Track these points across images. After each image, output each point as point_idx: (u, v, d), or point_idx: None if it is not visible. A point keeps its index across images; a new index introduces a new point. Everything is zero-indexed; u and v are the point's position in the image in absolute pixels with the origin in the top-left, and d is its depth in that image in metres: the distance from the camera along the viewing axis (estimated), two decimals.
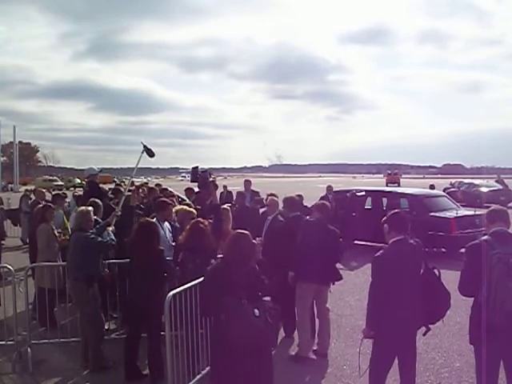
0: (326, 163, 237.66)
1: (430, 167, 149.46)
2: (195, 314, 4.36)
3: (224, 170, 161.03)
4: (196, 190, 7.94)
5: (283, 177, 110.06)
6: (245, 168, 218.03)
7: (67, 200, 9.37)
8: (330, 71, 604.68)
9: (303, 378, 4.85)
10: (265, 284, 3.60)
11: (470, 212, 11.77)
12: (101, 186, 8.07)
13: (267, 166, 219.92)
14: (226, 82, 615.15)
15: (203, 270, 4.39)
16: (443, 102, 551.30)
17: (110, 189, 9.06)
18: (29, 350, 5.10)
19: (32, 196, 13.11)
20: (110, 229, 5.54)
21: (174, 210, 6.24)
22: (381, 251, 3.78)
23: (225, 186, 13.80)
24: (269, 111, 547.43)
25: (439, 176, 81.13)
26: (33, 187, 19.17)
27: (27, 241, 10.05)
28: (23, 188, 29.22)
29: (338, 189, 14.29)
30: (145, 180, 34.06)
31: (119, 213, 5.85)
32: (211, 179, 5.84)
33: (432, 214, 11.05)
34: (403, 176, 63.71)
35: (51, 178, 64.17)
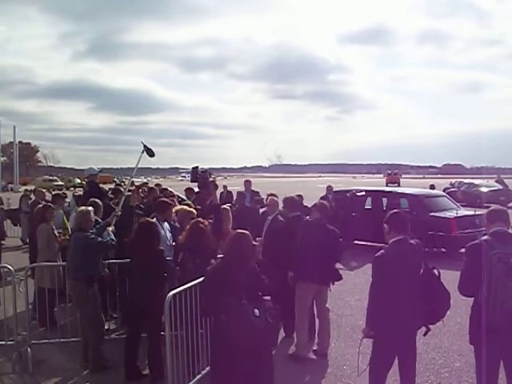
0: (326, 163, 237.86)
1: (430, 167, 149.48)
2: (195, 314, 4.36)
3: (224, 169, 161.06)
4: (196, 189, 7.93)
5: (283, 177, 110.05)
6: (245, 168, 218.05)
7: (67, 200, 9.37)
8: (329, 71, 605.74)
9: (303, 378, 4.85)
10: (265, 284, 3.60)
11: (470, 212, 11.76)
12: (101, 186, 8.07)
13: (267, 166, 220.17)
14: (226, 81, 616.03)
15: (203, 269, 4.39)
16: (443, 102, 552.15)
17: (110, 189, 9.06)
18: (29, 350, 5.10)
19: (32, 196, 13.11)
20: (110, 229, 5.54)
21: (174, 210, 6.25)
22: (381, 251, 3.78)
23: (225, 186, 13.80)
24: (269, 111, 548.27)
25: (439, 176, 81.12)
26: (33, 187, 19.17)
27: (27, 241, 10.05)
28: (23, 188, 29.22)
29: (337, 189, 14.29)
30: (145, 180, 33.99)
31: (119, 213, 5.85)
32: (211, 179, 5.84)
33: (432, 213, 11.05)
34: (403, 176, 63.69)
35: (51, 177, 64.16)
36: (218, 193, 7.79)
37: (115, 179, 34.64)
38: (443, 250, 10.80)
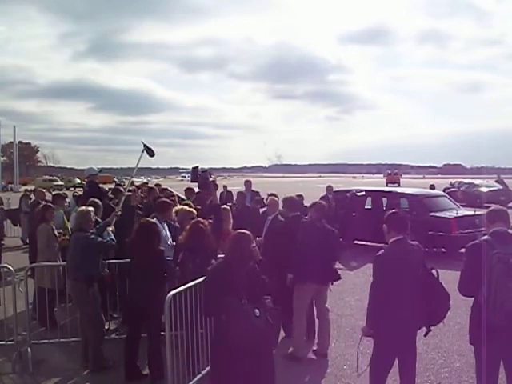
0: (326, 163, 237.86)
1: (430, 167, 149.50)
2: (195, 314, 4.36)
3: (224, 169, 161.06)
4: (196, 190, 7.93)
5: (283, 177, 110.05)
6: (245, 168, 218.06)
7: (67, 200, 9.37)
8: (329, 71, 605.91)
9: (303, 378, 4.85)
10: (266, 284, 3.59)
11: (470, 212, 11.76)
12: (101, 186, 8.07)
13: (267, 166, 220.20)
14: (226, 81, 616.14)
15: (203, 269, 4.40)
16: (443, 102, 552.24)
17: (110, 189, 9.06)
18: (29, 350, 5.09)
19: (32, 196, 13.11)
20: (110, 229, 5.54)
21: (174, 210, 6.25)
22: (381, 251, 3.78)
23: (225, 186, 13.81)
24: (269, 111, 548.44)
25: (439, 176, 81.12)
26: (33, 187, 19.17)
27: (27, 241, 10.05)
28: (23, 188, 29.22)
29: (338, 189, 14.29)
30: (145, 180, 34.06)
31: (119, 213, 5.85)
32: (211, 179, 5.84)
33: (432, 213, 11.05)
34: (403, 176, 63.70)
35: (51, 177, 64.17)
36: (218, 193, 7.79)
37: (115, 179, 34.66)
38: (443, 249, 10.80)
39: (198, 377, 4.51)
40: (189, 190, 8.74)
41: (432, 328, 3.86)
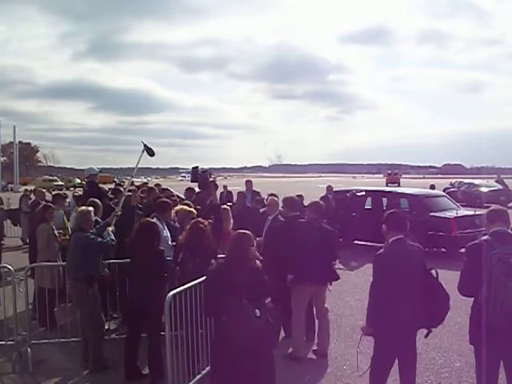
0: (326, 163, 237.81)
1: (430, 167, 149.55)
2: (195, 314, 4.36)
3: (224, 170, 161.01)
4: (196, 190, 7.93)
5: (283, 177, 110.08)
6: (245, 168, 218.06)
7: (67, 200, 9.37)
8: (329, 71, 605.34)
9: (303, 378, 4.85)
10: (266, 284, 3.59)
11: (470, 212, 11.77)
12: (101, 186, 8.07)
13: (267, 166, 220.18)
14: (226, 81, 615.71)
15: (203, 269, 4.40)
16: (443, 102, 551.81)
17: (109, 189, 9.06)
18: (29, 350, 5.09)
19: (32, 196, 13.12)
20: (110, 229, 5.54)
21: (174, 210, 6.25)
22: (381, 250, 3.79)
23: (225, 186, 13.83)
24: (269, 111, 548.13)
25: (439, 176, 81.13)
26: (33, 187, 19.17)
27: (27, 241, 10.05)
28: (23, 188, 29.22)
29: (337, 189, 14.30)
30: (145, 180, 34.06)
31: (119, 213, 5.85)
32: (211, 179, 5.84)
33: (432, 213, 11.06)
34: (403, 176, 63.73)
35: (51, 178, 64.19)
36: (218, 193, 7.80)
37: (115, 179, 34.67)
38: (443, 249, 10.81)
39: (198, 377, 4.51)
40: (189, 190, 8.75)
41: (432, 329, 3.87)
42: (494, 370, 3.52)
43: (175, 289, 4.21)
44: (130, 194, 6.83)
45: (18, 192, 33.03)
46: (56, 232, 6.63)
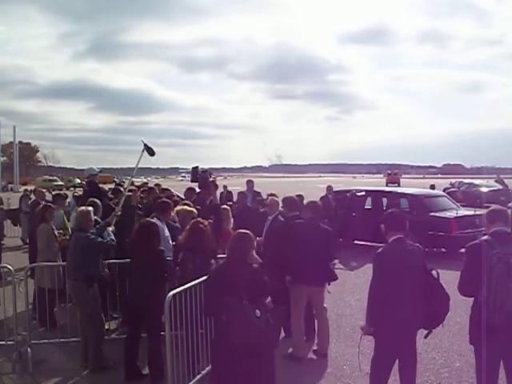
0: (326, 163, 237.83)
1: (430, 167, 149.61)
2: (195, 314, 4.36)
3: (224, 170, 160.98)
4: (197, 190, 7.93)
5: (283, 177, 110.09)
6: (245, 168, 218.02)
7: (68, 200, 9.38)
8: (330, 71, 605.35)
9: (303, 378, 4.85)
10: (266, 285, 3.58)
11: (470, 212, 11.77)
12: (101, 186, 8.07)
13: (267, 166, 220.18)
14: (226, 81, 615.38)
15: (203, 269, 4.41)
16: (443, 102, 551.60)
17: (110, 189, 9.06)
18: (29, 350, 5.09)
19: (32, 196, 13.12)
20: (110, 229, 5.54)
21: (175, 210, 6.25)
22: (381, 249, 3.79)
23: (225, 186, 13.83)
24: (269, 111, 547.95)
25: (439, 176, 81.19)
26: (33, 187, 19.17)
27: (27, 241, 10.05)
28: (23, 188, 29.23)
29: (337, 189, 14.30)
30: (145, 180, 34.07)
31: (119, 213, 5.85)
32: (211, 179, 5.84)
33: (432, 213, 11.06)
34: (403, 176, 63.74)
35: (51, 178, 64.19)
36: (218, 193, 7.79)
37: (115, 179, 34.66)
38: (443, 249, 10.81)
39: (198, 377, 4.51)
40: (189, 190, 8.75)
41: (432, 329, 3.87)
42: (494, 370, 3.52)
43: (175, 289, 4.21)
44: (130, 194, 6.82)
45: (18, 192, 33.01)
46: (56, 232, 6.63)
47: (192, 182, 6.18)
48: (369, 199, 12.72)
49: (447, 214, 11.04)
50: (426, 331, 3.89)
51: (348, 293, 7.81)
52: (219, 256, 4.97)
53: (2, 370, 5.06)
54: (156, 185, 11.02)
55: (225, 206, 6.77)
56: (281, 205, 6.42)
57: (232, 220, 7.18)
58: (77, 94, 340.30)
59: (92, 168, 8.06)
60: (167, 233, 5.64)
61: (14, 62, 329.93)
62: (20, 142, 78.02)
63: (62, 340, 5.55)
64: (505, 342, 3.39)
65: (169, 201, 6.30)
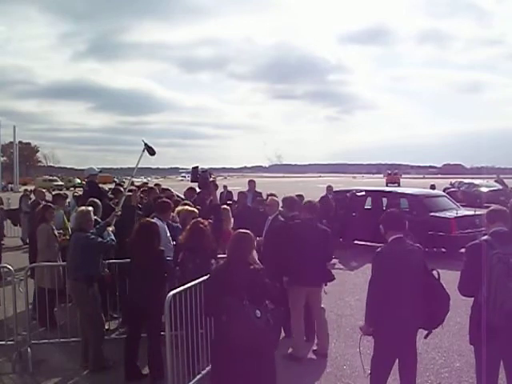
0: (326, 163, 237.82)
1: (430, 167, 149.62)
2: (195, 314, 4.36)
3: (224, 170, 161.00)
4: (197, 190, 7.93)
5: (283, 177, 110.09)
6: (245, 168, 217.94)
7: (68, 200, 9.37)
8: (330, 71, 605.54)
9: (303, 378, 4.85)
10: (266, 285, 3.58)
11: (469, 212, 11.77)
12: (101, 186, 8.07)
13: (267, 166, 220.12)
14: (226, 81, 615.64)
15: (203, 269, 4.40)
16: (443, 102, 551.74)
17: (110, 189, 9.06)
18: (29, 350, 5.09)
19: (32, 196, 13.12)
20: (110, 229, 5.54)
21: (176, 211, 6.25)
22: (381, 248, 3.79)
23: (225, 186, 13.84)
24: (269, 111, 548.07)
25: (439, 176, 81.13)
26: (33, 187, 19.17)
27: (27, 241, 10.05)
28: (23, 188, 29.25)
29: (337, 189, 14.29)
30: (145, 180, 34.07)
31: (119, 213, 5.85)
32: (211, 179, 5.84)
33: (432, 213, 11.05)
34: (403, 176, 63.74)
35: (51, 178, 64.19)
36: (218, 193, 7.80)
37: (115, 179, 34.66)
38: (443, 249, 10.81)
39: (198, 377, 4.51)
40: (190, 190, 8.75)
41: (432, 330, 3.86)
42: (494, 370, 3.52)
43: (175, 289, 4.21)
44: (130, 194, 6.82)
45: (18, 192, 33.02)
46: (56, 232, 6.63)
47: (192, 181, 6.18)
48: (369, 199, 12.72)
49: (447, 214, 11.04)
50: (426, 331, 3.89)
51: (348, 293, 7.80)
52: (219, 256, 4.96)
53: (2, 370, 5.06)
54: (156, 185, 11.02)
55: (225, 206, 6.77)
56: (281, 205, 6.42)
57: (232, 220, 7.18)
58: (77, 94, 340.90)
59: (92, 168, 8.06)
60: (169, 233, 5.64)
61: (14, 61, 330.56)
62: (20, 142, 78.07)
63: (62, 340, 5.55)
64: (505, 342, 3.39)
65: (169, 201, 6.30)
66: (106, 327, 5.74)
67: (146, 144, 6.32)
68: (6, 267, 5.50)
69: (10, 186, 59.10)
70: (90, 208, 5.43)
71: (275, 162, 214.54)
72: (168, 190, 9.67)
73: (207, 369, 4.36)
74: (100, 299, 5.22)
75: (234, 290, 3.35)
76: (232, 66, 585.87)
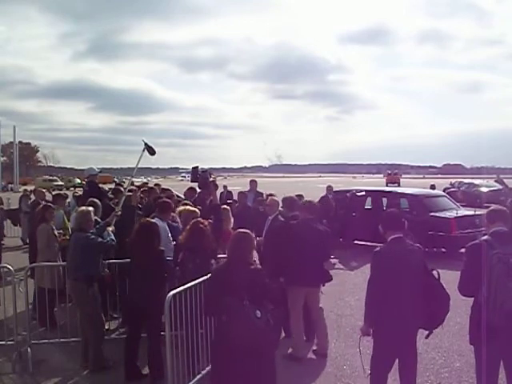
0: (326, 163, 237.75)
1: (430, 167, 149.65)
2: (195, 314, 4.36)
3: (224, 170, 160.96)
4: (198, 190, 7.93)
5: (283, 177, 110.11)
6: (245, 168, 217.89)
7: (68, 200, 9.38)
8: (330, 71, 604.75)
9: (303, 378, 4.85)
10: (266, 285, 3.57)
11: (469, 212, 11.77)
12: (101, 186, 8.07)
13: (267, 166, 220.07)
14: (226, 81, 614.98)
15: (203, 269, 4.41)
16: (443, 102, 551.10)
17: (110, 189, 9.06)
18: (29, 350, 5.09)
19: (32, 196, 13.12)
20: (110, 229, 5.54)
21: (177, 211, 6.25)
22: (380, 247, 3.79)
23: (225, 186, 13.84)
24: (269, 111, 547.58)
25: (439, 176, 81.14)
26: (33, 187, 19.17)
27: (27, 241, 10.05)
28: (23, 188, 29.27)
29: (337, 189, 14.29)
30: (145, 180, 34.08)
31: (119, 213, 5.85)
32: (211, 179, 5.84)
33: (432, 213, 11.05)
34: (403, 176, 63.77)
35: (51, 178, 64.22)
36: (218, 193, 7.79)
37: (115, 179, 34.67)
38: (443, 250, 10.81)
39: (198, 377, 4.51)
40: (190, 190, 8.75)
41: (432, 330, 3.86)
42: (494, 370, 3.52)
43: (175, 289, 4.21)
44: (130, 194, 6.82)
45: (18, 192, 33.00)
46: (56, 232, 6.63)
47: (192, 181, 6.18)
48: (369, 199, 12.72)
49: (447, 214, 11.04)
50: (427, 331, 3.89)
51: (348, 293, 7.81)
52: (219, 256, 4.97)
53: (2, 370, 5.06)
54: (156, 185, 11.02)
55: (225, 206, 6.77)
56: (281, 205, 6.42)
57: (232, 220, 7.18)
58: (77, 93, 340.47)
59: (92, 168, 8.06)
60: (167, 233, 5.64)
61: (14, 61, 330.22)
62: (20, 142, 78.11)
63: (62, 340, 5.55)
64: (505, 342, 3.39)
65: (169, 201, 6.30)
66: (106, 327, 5.74)
67: (146, 144, 6.32)
68: (6, 267, 5.50)
69: (10, 185, 59.13)
70: (91, 208, 5.43)
71: (275, 162, 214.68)
72: (168, 190, 9.67)
73: (207, 369, 4.36)
74: (100, 299, 5.22)
75: (234, 290, 3.35)
76: (232, 65, 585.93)
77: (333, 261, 6.62)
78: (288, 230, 5.52)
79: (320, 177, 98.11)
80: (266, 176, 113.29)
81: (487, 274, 3.35)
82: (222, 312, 3.35)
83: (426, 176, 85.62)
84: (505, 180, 25.89)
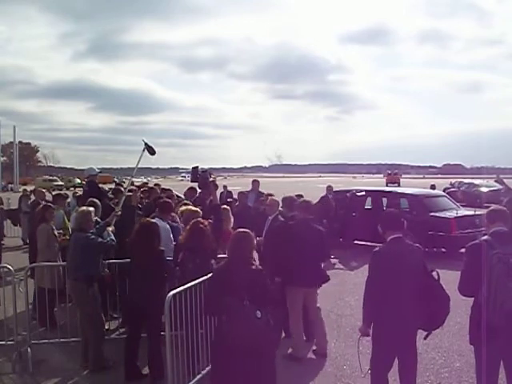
0: (326, 163, 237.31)
1: (430, 167, 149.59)
2: (195, 314, 4.36)
3: (224, 170, 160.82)
4: (198, 190, 7.93)
5: (283, 177, 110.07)
6: (245, 168, 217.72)
7: (68, 200, 9.37)
8: (329, 71, 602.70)
9: (303, 378, 4.85)
10: (266, 285, 3.57)
11: (469, 212, 11.76)
12: (101, 186, 8.07)
13: (267, 166, 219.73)
14: (226, 81, 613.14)
15: (203, 269, 4.41)
16: (443, 102, 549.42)
17: (110, 189, 9.06)
18: (29, 350, 5.09)
19: (32, 196, 13.12)
20: (110, 229, 5.54)
21: (179, 211, 6.25)
22: (379, 247, 3.79)
23: (225, 186, 13.84)
24: (269, 111, 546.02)
25: (439, 176, 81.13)
26: (33, 187, 19.17)
27: (27, 241, 10.05)
28: (23, 188, 29.26)
29: (338, 189, 14.29)
30: (145, 180, 34.10)
31: (119, 213, 5.85)
32: (211, 179, 5.84)
33: (432, 214, 11.05)
34: (403, 176, 63.75)
35: (51, 178, 64.23)
36: (218, 193, 7.79)
37: (115, 179, 34.68)
38: (443, 249, 10.81)
39: (198, 377, 4.51)
40: (191, 190, 8.75)
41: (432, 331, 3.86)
42: (494, 370, 3.52)
43: (175, 289, 4.21)
44: (130, 194, 6.82)
45: (18, 192, 32.95)
46: (56, 232, 6.63)
47: (192, 181, 6.18)
48: (369, 199, 12.72)
49: (447, 214, 11.03)
50: (426, 332, 3.88)
51: (348, 293, 7.81)
52: (219, 256, 4.97)
53: (2, 370, 5.06)
54: (156, 185, 11.03)
55: (225, 206, 6.77)
56: (281, 205, 6.42)
57: (232, 219, 7.18)
58: (77, 93, 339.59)
59: (92, 168, 8.06)
60: (167, 233, 5.64)
61: (14, 61, 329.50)
62: (20, 142, 78.14)
63: (62, 340, 5.55)
64: (505, 341, 3.39)
65: (170, 201, 6.30)
66: (106, 327, 5.74)
67: (146, 143, 6.32)
68: (6, 267, 5.50)
69: (10, 185, 59.15)
70: (91, 208, 5.43)
71: (275, 162, 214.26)
72: (168, 190, 9.67)
73: (207, 369, 4.36)
74: (100, 299, 5.22)
75: (235, 290, 3.36)
76: (232, 65, 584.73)
77: (333, 261, 6.62)
78: (287, 230, 5.52)
79: (320, 177, 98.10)
80: (266, 176, 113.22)
81: (487, 274, 3.35)
82: (222, 312, 3.35)
83: (426, 176, 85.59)
84: (505, 180, 25.98)
